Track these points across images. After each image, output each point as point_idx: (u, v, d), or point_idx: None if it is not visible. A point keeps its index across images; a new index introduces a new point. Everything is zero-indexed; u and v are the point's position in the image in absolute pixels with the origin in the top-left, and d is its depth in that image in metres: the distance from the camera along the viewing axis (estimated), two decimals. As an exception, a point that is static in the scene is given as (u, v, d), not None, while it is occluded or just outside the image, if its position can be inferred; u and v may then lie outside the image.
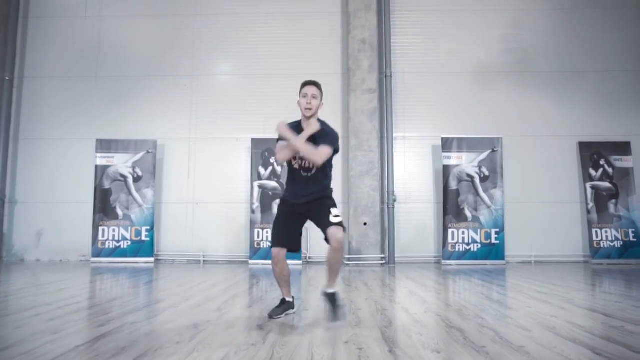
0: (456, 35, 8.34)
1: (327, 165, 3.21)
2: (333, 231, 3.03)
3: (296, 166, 3.22)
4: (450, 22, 8.36)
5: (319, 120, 3.22)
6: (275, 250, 3.21)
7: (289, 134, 3.09)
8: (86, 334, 2.70)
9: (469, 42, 8.33)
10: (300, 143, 3.05)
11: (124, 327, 2.84)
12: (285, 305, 3.29)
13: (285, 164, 3.26)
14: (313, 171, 3.16)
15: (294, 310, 3.36)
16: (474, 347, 2.40)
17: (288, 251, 3.23)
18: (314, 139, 3.11)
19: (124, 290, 4.77)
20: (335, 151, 3.14)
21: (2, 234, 8.19)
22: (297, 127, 3.20)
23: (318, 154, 3.03)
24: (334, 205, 3.19)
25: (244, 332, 2.75)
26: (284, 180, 7.77)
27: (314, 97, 3.16)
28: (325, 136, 3.12)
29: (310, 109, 3.14)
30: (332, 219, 3.07)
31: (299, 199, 3.20)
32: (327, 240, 3.09)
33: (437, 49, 8.31)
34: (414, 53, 8.31)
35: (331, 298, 3.13)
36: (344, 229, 3.11)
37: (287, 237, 3.23)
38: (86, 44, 8.55)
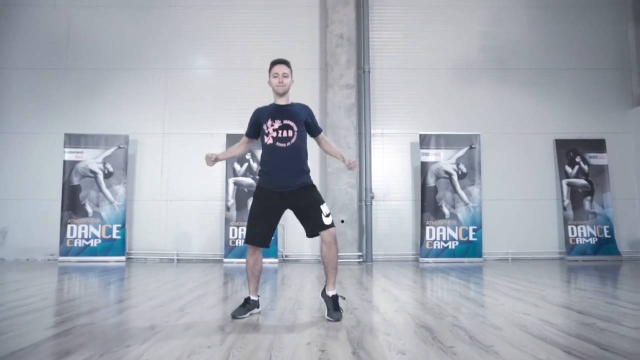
0: (435, 31, 8.27)
1: (304, 140, 3.16)
2: (327, 232, 3.03)
3: (270, 140, 3.09)
4: (429, 18, 8.29)
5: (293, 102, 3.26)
6: (250, 248, 3.14)
7: None
8: (30, 337, 2.51)
9: (448, 38, 8.28)
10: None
11: (74, 330, 2.66)
12: (249, 305, 3.14)
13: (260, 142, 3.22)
14: (293, 140, 3.06)
15: (259, 310, 3.21)
16: (442, 347, 2.30)
17: (267, 246, 3.16)
18: (294, 114, 3.13)
19: (86, 290, 4.55)
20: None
21: (-35, 232, 7.83)
22: (271, 109, 3.18)
23: (334, 146, 3.55)
24: (322, 200, 3.13)
25: (203, 334, 2.60)
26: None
27: (284, 75, 3.11)
28: (311, 120, 3.26)
29: (283, 86, 3.10)
30: (325, 220, 3.03)
31: (279, 185, 3.04)
32: (311, 235, 3.08)
33: (416, 44, 8.23)
34: (393, 49, 8.22)
35: (334, 301, 3.04)
36: (333, 223, 3.11)
37: (264, 235, 3.10)
38: (55, 34, 8.23)
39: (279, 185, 3.05)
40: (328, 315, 2.98)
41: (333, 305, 3.02)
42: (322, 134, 3.41)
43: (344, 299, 3.13)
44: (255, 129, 3.24)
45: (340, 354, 2.18)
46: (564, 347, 2.27)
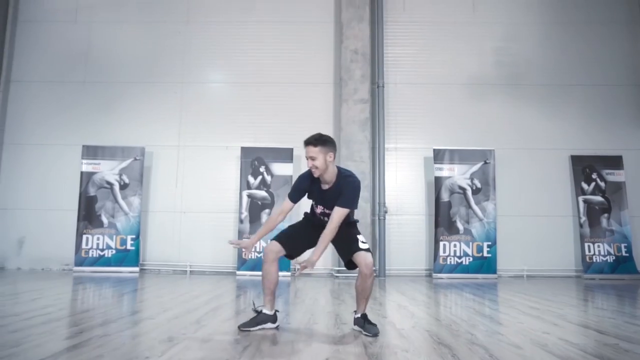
0: (449, 47, 8.31)
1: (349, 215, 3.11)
2: (363, 255, 2.96)
3: (318, 210, 3.16)
4: (442, 34, 8.34)
5: (339, 170, 3.08)
6: (270, 243, 3.06)
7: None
8: (49, 347, 2.52)
9: (461, 54, 8.31)
10: (320, 252, 2.96)
11: (92, 341, 2.67)
12: (259, 317, 3.08)
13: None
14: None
15: (274, 325, 3.14)
16: (462, 365, 2.26)
17: (285, 256, 3.12)
18: (333, 193, 3.03)
19: (101, 301, 4.58)
20: (355, 204, 3.09)
21: (-18, 241, 7.94)
22: (317, 191, 3.12)
23: (334, 227, 2.96)
24: (359, 233, 3.13)
25: (220, 347, 2.60)
26: (273, 189, 7.69)
27: (312, 158, 2.97)
28: (343, 189, 2.99)
29: (316, 169, 2.98)
30: (361, 245, 3.01)
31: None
32: (350, 266, 3.07)
33: (430, 60, 8.27)
34: (407, 64, 8.27)
35: (364, 318, 3.04)
36: (370, 251, 3.06)
37: (292, 238, 3.11)
38: (75, 49, 8.43)
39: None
40: (365, 332, 2.96)
41: (365, 321, 3.02)
42: (337, 208, 2.98)
43: (366, 315, 3.08)
44: (301, 195, 3.17)
45: (360, 370, 2.16)
46: (588, 368, 2.22)
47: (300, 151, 7.82)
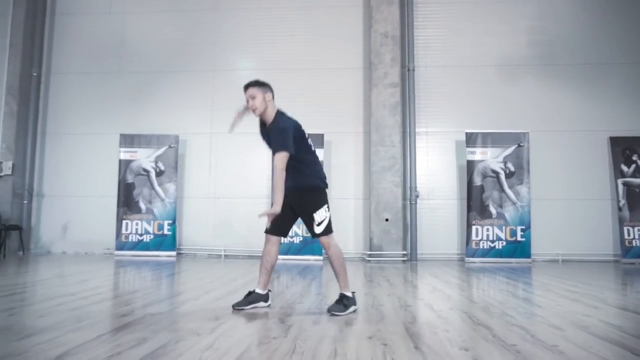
0: (480, 27, 8.13)
1: (296, 155, 3.07)
2: (321, 242, 3.19)
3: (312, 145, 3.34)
4: (474, 14, 8.15)
5: (278, 112, 3.24)
6: (265, 237, 3.29)
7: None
8: (108, 323, 2.70)
9: (493, 34, 8.11)
10: (279, 202, 3.05)
11: (145, 318, 2.83)
12: (251, 297, 3.21)
13: None
14: (273, 156, 3.14)
15: (266, 304, 3.26)
16: (504, 345, 2.30)
17: (280, 235, 3.30)
18: (270, 133, 3.16)
19: (145, 283, 4.79)
20: (291, 134, 3.05)
21: (30, 227, 8.37)
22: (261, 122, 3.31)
23: (279, 171, 3.03)
24: (316, 206, 3.14)
25: (265, 325, 2.71)
26: (304, 175, 7.76)
27: (251, 97, 3.16)
28: (274, 128, 3.10)
29: (256, 109, 3.16)
30: (317, 229, 3.14)
31: (287, 188, 3.13)
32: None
33: (461, 41, 8.12)
34: (437, 46, 8.14)
35: (339, 297, 3.14)
36: (327, 232, 3.15)
37: (278, 225, 3.23)
38: (110, 40, 8.66)
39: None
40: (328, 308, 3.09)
41: (337, 299, 3.12)
42: (276, 154, 3.06)
43: (351, 304, 3.12)
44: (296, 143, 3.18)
45: (403, 348, 2.23)
46: (634, 350, 2.23)
47: (331, 136, 7.92)
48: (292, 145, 3.04)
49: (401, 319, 2.93)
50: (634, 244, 7.34)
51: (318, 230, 3.13)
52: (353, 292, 3.20)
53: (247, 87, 3.23)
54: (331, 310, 3.03)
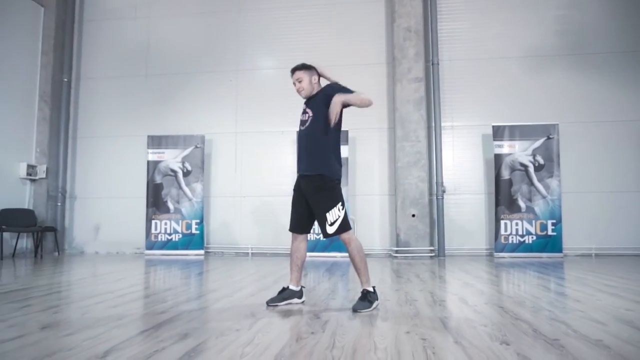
0: (505, 18, 7.97)
1: (319, 127, 3.10)
2: (341, 238, 3.11)
3: (301, 126, 3.27)
4: (498, 5, 8.00)
5: (324, 87, 3.26)
6: (292, 235, 3.29)
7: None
8: (148, 320, 2.76)
9: (518, 25, 7.95)
10: (346, 97, 3.05)
11: (183, 315, 2.89)
12: (285, 293, 3.23)
13: None
14: (307, 123, 3.16)
15: (300, 301, 3.28)
16: (546, 339, 2.26)
17: (302, 234, 3.25)
18: (316, 100, 3.17)
19: (177, 281, 4.88)
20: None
21: (64, 228, 8.63)
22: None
23: (365, 97, 3.07)
24: (330, 204, 3.05)
25: (302, 321, 2.73)
26: (329, 172, 7.77)
27: (298, 80, 3.21)
28: (337, 91, 3.09)
29: (303, 90, 3.22)
30: (329, 229, 3.05)
31: (299, 167, 3.18)
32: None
33: (486, 33, 7.98)
34: (461, 39, 8.03)
35: (362, 294, 3.11)
36: (343, 229, 3.06)
37: (294, 220, 3.26)
38: (136, 44, 8.83)
39: (299, 169, 3.21)
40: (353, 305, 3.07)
41: (361, 296, 3.09)
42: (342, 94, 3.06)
43: (375, 299, 3.10)
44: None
45: (443, 342, 2.22)
46: (683, 344, 2.16)
47: (355, 133, 7.90)
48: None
49: (437, 313, 2.91)
50: (671, 237, 7.10)
51: (331, 230, 3.04)
52: (374, 287, 3.18)
53: (293, 70, 3.25)
54: (357, 309, 2.98)
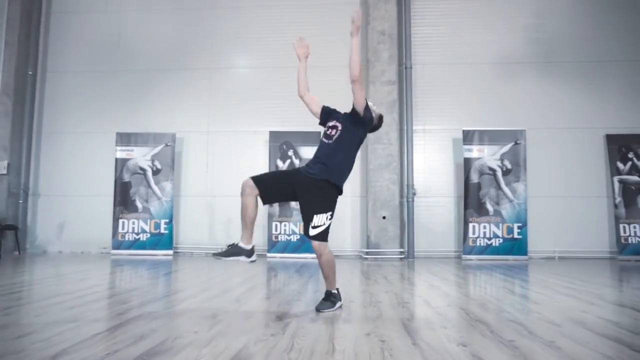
0: (478, 25, 8.13)
1: (354, 137, 3.17)
2: (313, 246, 3.08)
3: (324, 138, 3.23)
4: (472, 12, 8.15)
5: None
6: (246, 179, 3.05)
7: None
8: (105, 322, 2.69)
9: (491, 32, 8.12)
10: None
11: (143, 317, 2.82)
12: (234, 248, 3.02)
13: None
14: (335, 137, 3.14)
15: (248, 259, 3.06)
16: (502, 340, 2.30)
17: (259, 195, 3.03)
18: (349, 117, 3.22)
19: (143, 281, 4.78)
20: (368, 119, 3.20)
21: (26, 226, 8.33)
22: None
23: (358, 68, 3.26)
24: (321, 209, 3.03)
25: (263, 323, 2.70)
26: (301, 173, 7.77)
27: None
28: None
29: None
30: (310, 231, 3.04)
31: (306, 167, 3.15)
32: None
33: (459, 39, 8.12)
34: (435, 44, 8.14)
35: (327, 294, 3.13)
36: (321, 238, 3.04)
37: (267, 180, 3.09)
38: (106, 38, 8.61)
39: (303, 169, 3.18)
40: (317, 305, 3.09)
41: (324, 296, 3.13)
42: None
43: (338, 300, 3.11)
44: (322, 117, 3.38)
45: (401, 344, 2.23)
46: (631, 345, 2.23)
47: (327, 135, 7.90)
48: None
49: (399, 315, 2.93)
50: (630, 241, 7.37)
51: (312, 232, 3.02)
52: (337, 288, 3.19)
53: None
54: (320, 309, 3.01)
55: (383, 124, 7.47)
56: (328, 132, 3.21)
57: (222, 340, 2.28)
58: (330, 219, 3.07)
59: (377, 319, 2.82)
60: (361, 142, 3.26)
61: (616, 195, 7.55)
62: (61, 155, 8.43)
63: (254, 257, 3.11)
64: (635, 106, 7.82)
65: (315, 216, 3.02)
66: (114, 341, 2.24)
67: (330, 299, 3.09)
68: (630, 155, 7.61)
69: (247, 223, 3.05)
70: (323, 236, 3.05)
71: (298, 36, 3.49)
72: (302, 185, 3.07)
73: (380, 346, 2.20)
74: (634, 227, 7.39)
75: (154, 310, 3.06)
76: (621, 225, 7.43)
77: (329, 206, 3.07)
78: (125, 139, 8.06)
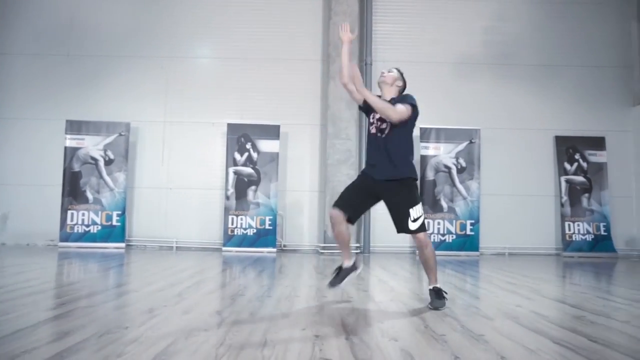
0: (439, 25, 8.26)
1: (406, 128, 3.12)
2: (416, 238, 3.10)
3: (373, 130, 3.17)
4: (433, 12, 8.27)
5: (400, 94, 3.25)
6: (332, 210, 3.13)
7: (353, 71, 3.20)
8: (31, 317, 2.55)
9: (451, 32, 8.27)
10: (367, 92, 3.09)
11: (75, 312, 2.71)
12: (342, 273, 3.17)
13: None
14: (387, 130, 3.09)
15: (358, 271, 3.27)
16: (434, 335, 2.35)
17: (347, 221, 3.13)
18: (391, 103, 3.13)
19: (86, 275, 4.61)
20: (415, 114, 3.12)
21: (-34, 216, 7.89)
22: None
23: (392, 109, 2.98)
24: (414, 202, 3.06)
25: (200, 318, 2.65)
26: (260, 166, 7.70)
27: (389, 70, 3.28)
28: (400, 99, 3.13)
29: (384, 78, 3.23)
30: (411, 225, 3.03)
31: (377, 172, 3.10)
32: (399, 232, 3.16)
33: (419, 38, 8.22)
34: (396, 42, 8.21)
35: (435, 292, 3.09)
36: (424, 228, 3.10)
37: (350, 202, 3.13)
38: (58, 20, 8.21)
39: (372, 173, 3.15)
40: (429, 304, 3.06)
41: (435, 295, 3.08)
42: (399, 105, 3.06)
43: (445, 293, 3.11)
44: (366, 106, 3.25)
45: (334, 339, 2.23)
46: (554, 338, 2.32)
47: (287, 128, 7.87)
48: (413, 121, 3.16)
49: (339, 310, 2.94)
50: (573, 238, 7.71)
51: (414, 226, 3.03)
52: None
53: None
54: (438, 307, 2.99)
55: (342, 120, 7.51)
56: (379, 126, 3.14)
57: (153, 336, 2.22)
58: (422, 209, 3.14)
59: (316, 314, 2.82)
60: (413, 125, 3.22)
61: (563, 195, 7.87)
62: (5, 141, 8.00)
63: (360, 267, 3.29)
64: (582, 109, 8.17)
65: (411, 210, 3.04)
66: (35, 338, 2.13)
67: (442, 294, 3.08)
68: (577, 156, 7.95)
69: (346, 246, 3.21)
70: (424, 226, 3.11)
71: (343, 24, 3.41)
72: (386, 191, 3.10)
73: (313, 341, 2.19)
74: (578, 225, 7.74)
75: (89, 304, 2.95)
76: (566, 223, 7.76)
77: (418, 198, 3.14)
78: (75, 126, 7.74)
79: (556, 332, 2.47)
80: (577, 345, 2.19)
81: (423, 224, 3.09)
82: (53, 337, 2.15)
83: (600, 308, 3.17)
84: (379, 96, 3.19)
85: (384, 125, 3.11)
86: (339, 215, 3.10)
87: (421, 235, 3.09)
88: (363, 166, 7.70)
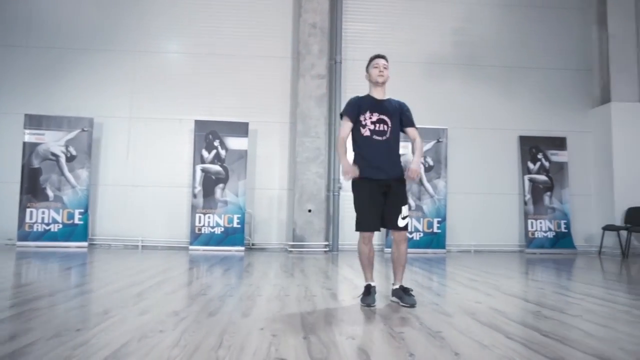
0: (408, 25, 8.34)
1: (397, 134, 3.32)
2: (400, 234, 3.20)
3: (367, 132, 3.20)
4: (402, 12, 8.35)
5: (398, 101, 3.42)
6: (366, 234, 3.20)
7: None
8: (-25, 321, 2.44)
9: (420, 32, 8.36)
10: (418, 160, 3.24)
11: (24, 314, 2.61)
12: (372, 290, 3.18)
13: (350, 135, 3.32)
14: (388, 134, 3.20)
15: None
16: (392, 332, 2.36)
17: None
18: (390, 103, 3.30)
19: (42, 275, 4.44)
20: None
21: None
22: (369, 101, 3.29)
23: (420, 143, 3.37)
24: (406, 200, 3.27)
25: (157, 319, 2.59)
26: (228, 164, 7.60)
27: (385, 67, 3.31)
28: (407, 118, 3.34)
29: (382, 76, 3.27)
30: (400, 222, 3.16)
31: (385, 173, 3.16)
32: (384, 227, 3.22)
33: (390, 37, 8.28)
34: (366, 40, 8.24)
35: (404, 289, 3.17)
36: (407, 226, 3.27)
37: (374, 218, 3.16)
38: (15, 9, 7.88)
39: (378, 176, 3.16)
40: (402, 302, 3.09)
41: (404, 292, 3.15)
42: (412, 129, 3.36)
43: (411, 290, 3.20)
44: (355, 111, 3.27)
45: (291, 339, 2.22)
46: (508, 334, 2.37)
47: (257, 125, 7.80)
48: None
49: (300, 309, 2.93)
50: (536, 236, 7.95)
51: (402, 223, 3.16)
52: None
53: (381, 57, 3.36)
54: (413, 304, 3.04)
55: (311, 118, 7.50)
56: (377, 128, 3.20)
57: (105, 338, 2.15)
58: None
59: (277, 313, 2.79)
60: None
61: (526, 193, 8.10)
62: (-41, 136, 7.63)
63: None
64: (545, 110, 8.42)
65: (403, 207, 3.19)
66: (-23, 342, 2.03)
67: (409, 291, 3.17)
68: (540, 156, 8.19)
69: (372, 264, 3.30)
70: (408, 224, 3.27)
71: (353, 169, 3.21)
72: (391, 189, 3.18)
73: (270, 341, 2.17)
74: (540, 223, 7.98)
75: (41, 306, 2.84)
76: (529, 221, 7.99)
77: (407, 197, 3.36)
78: (35, 121, 7.45)
79: (511, 327, 2.52)
80: (529, 340, 2.24)
81: (408, 222, 3.27)
82: (-4, 341, 2.05)
83: (555, 303, 3.26)
84: (369, 95, 3.33)
85: (382, 128, 3.21)
86: (369, 237, 3.23)
87: (404, 233, 3.24)
88: (332, 164, 7.74)
